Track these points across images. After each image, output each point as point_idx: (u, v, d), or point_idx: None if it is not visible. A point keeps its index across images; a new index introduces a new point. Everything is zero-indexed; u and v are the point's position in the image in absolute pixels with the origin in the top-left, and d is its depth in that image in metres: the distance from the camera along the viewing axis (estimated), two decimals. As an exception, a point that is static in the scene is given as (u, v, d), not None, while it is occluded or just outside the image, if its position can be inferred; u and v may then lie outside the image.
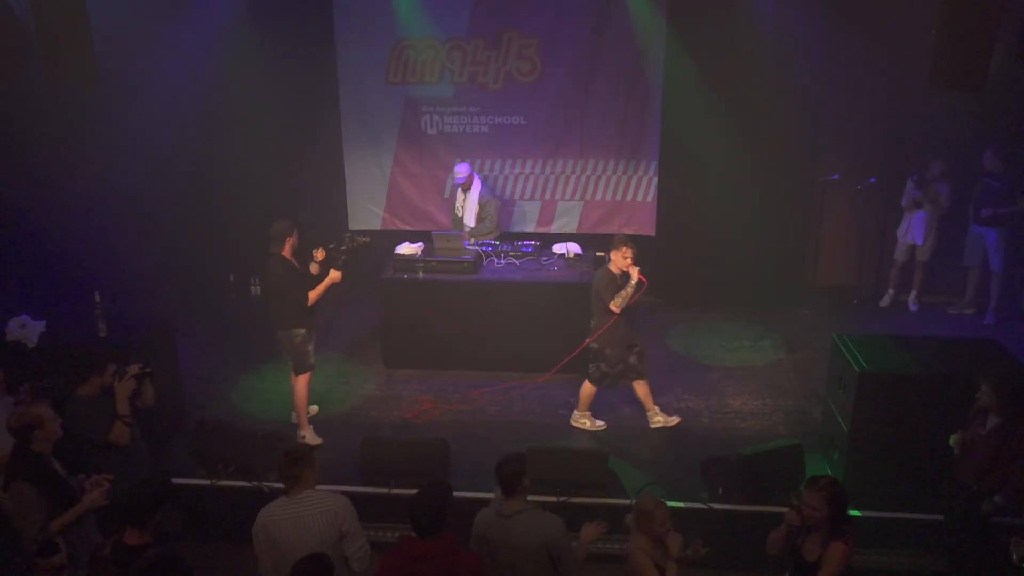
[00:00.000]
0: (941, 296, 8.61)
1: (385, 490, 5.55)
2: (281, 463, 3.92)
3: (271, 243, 6.13)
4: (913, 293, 8.46)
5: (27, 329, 6.03)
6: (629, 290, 6.05)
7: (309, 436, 6.36)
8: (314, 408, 6.75)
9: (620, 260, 6.09)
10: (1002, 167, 7.66)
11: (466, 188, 7.85)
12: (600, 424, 6.49)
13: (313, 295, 6.12)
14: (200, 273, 8.64)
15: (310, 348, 6.32)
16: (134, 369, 4.81)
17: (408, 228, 8.71)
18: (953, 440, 4.75)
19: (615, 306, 6.06)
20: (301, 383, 6.36)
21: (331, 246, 6.29)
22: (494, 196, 8.23)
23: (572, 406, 6.63)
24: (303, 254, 6.28)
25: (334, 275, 6.17)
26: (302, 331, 6.23)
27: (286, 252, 6.11)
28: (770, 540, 4.05)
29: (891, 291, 8.57)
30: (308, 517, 3.84)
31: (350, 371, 7.51)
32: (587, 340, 6.31)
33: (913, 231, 8.18)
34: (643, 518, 3.89)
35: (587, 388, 6.42)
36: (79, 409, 4.67)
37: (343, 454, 6.00)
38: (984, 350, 5.75)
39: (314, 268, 6.32)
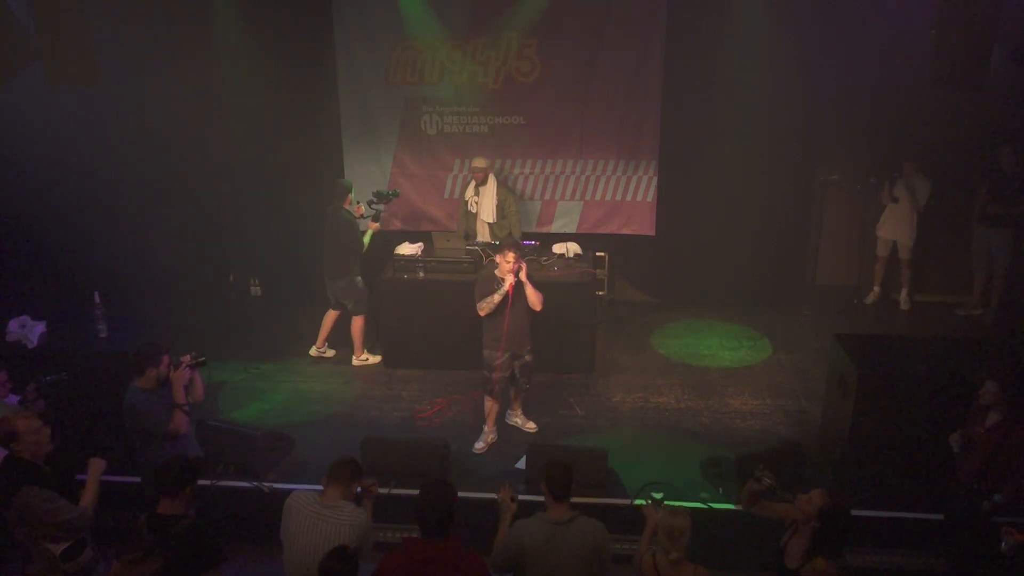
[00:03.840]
0: (936, 295, 8.62)
1: (385, 490, 5.55)
2: (342, 470, 4.04)
3: (334, 199, 7.18)
4: (903, 292, 8.47)
5: (27, 329, 6.04)
6: (496, 298, 5.82)
7: (372, 358, 7.53)
8: (331, 352, 7.69)
9: (503, 264, 5.83)
10: (1016, 166, 7.54)
11: (482, 183, 7.83)
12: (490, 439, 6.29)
13: (365, 241, 7.26)
14: (200, 273, 8.64)
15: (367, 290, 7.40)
16: (187, 359, 4.89)
17: (408, 228, 8.70)
18: (953, 439, 4.76)
19: (480, 309, 5.91)
20: (360, 321, 7.41)
21: (371, 199, 7.35)
22: (512, 192, 8.20)
23: (573, 406, 6.64)
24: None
25: (373, 225, 7.32)
26: (360, 276, 7.30)
27: (346, 205, 7.15)
28: (746, 492, 4.07)
29: (876, 288, 8.58)
30: (341, 526, 3.86)
31: (350, 371, 7.51)
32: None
33: (888, 226, 8.24)
34: (680, 533, 3.72)
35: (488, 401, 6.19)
36: (137, 402, 4.71)
37: (343, 454, 5.97)
38: (983, 349, 5.75)
39: None
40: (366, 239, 7.31)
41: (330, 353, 7.71)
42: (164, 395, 4.79)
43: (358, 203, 7.32)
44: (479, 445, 6.21)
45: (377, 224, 7.37)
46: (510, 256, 5.77)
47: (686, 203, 8.41)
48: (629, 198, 8.55)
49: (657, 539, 3.79)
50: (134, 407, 4.71)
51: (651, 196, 8.49)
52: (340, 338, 7.96)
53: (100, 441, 5.36)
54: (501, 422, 6.40)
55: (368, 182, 8.71)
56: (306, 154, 8.56)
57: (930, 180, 7.96)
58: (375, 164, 8.69)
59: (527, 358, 6.13)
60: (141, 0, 7.52)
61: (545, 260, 7.51)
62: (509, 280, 5.76)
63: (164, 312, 7.54)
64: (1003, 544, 4.02)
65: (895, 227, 8.19)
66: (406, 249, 7.52)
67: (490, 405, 6.19)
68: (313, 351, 7.67)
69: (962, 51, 5.10)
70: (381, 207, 7.40)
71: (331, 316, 7.54)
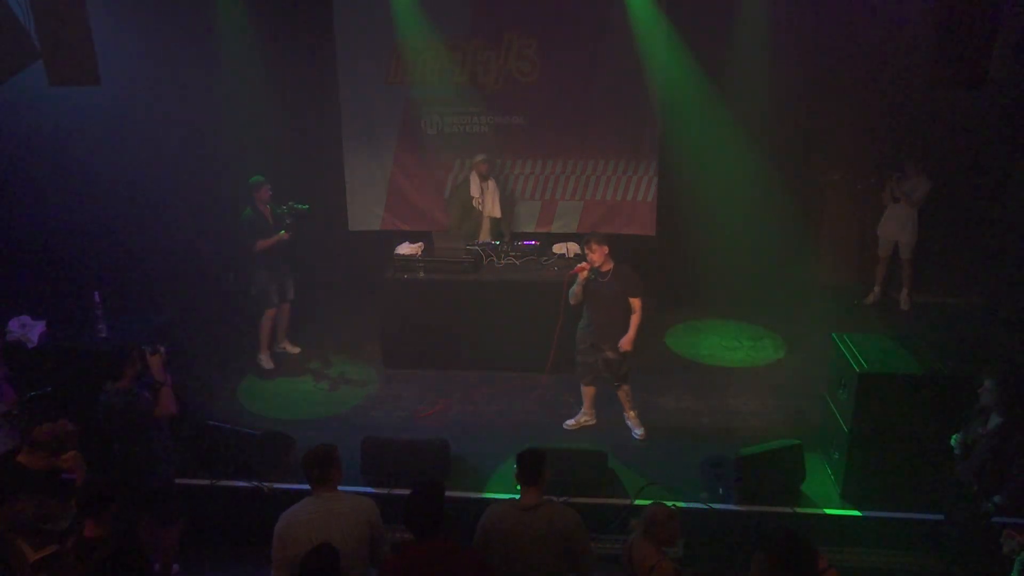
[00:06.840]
0: (936, 295, 8.60)
1: (385, 490, 5.56)
2: (309, 464, 3.88)
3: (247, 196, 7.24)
4: (904, 292, 8.46)
5: (27, 329, 6.03)
6: (576, 289, 6.11)
7: (265, 360, 7.54)
8: (295, 348, 7.88)
9: (590, 256, 6.04)
10: None
11: (486, 177, 7.86)
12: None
13: (261, 244, 7.27)
14: (200, 273, 8.63)
15: (272, 289, 7.47)
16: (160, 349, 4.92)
17: (408, 228, 8.70)
18: (955, 440, 4.76)
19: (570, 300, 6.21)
20: (267, 317, 7.55)
21: (281, 208, 7.36)
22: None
23: (571, 405, 6.64)
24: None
25: (281, 235, 7.29)
26: (264, 273, 7.39)
27: (258, 204, 7.26)
28: None
29: (876, 288, 8.57)
30: (346, 515, 3.77)
31: (350, 371, 7.51)
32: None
33: (889, 226, 8.23)
34: (656, 527, 3.81)
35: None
36: (118, 401, 4.71)
37: (343, 454, 5.92)
38: (984, 350, 5.75)
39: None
40: (268, 241, 7.27)
41: (295, 350, 7.90)
42: (139, 387, 4.81)
43: (267, 205, 7.34)
44: (569, 423, 6.52)
45: (286, 234, 7.27)
46: (593, 247, 5.99)
47: (686, 203, 8.40)
48: (629, 198, 8.55)
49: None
50: (115, 406, 4.71)
51: (651, 196, 8.49)
52: (342, 338, 7.97)
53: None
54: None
55: (368, 182, 8.73)
56: (306, 154, 8.55)
57: (930, 180, 7.96)
58: (375, 164, 8.70)
59: (608, 354, 6.16)
60: (141, 0, 7.51)
61: (545, 260, 7.52)
62: (582, 275, 6.03)
63: (164, 312, 7.53)
64: (1004, 548, 4.00)
65: (896, 227, 8.19)
66: (406, 249, 7.52)
67: (584, 389, 6.45)
68: (285, 347, 7.88)
69: (962, 50, 5.10)
70: (287, 221, 7.33)
71: (283, 311, 7.71)
